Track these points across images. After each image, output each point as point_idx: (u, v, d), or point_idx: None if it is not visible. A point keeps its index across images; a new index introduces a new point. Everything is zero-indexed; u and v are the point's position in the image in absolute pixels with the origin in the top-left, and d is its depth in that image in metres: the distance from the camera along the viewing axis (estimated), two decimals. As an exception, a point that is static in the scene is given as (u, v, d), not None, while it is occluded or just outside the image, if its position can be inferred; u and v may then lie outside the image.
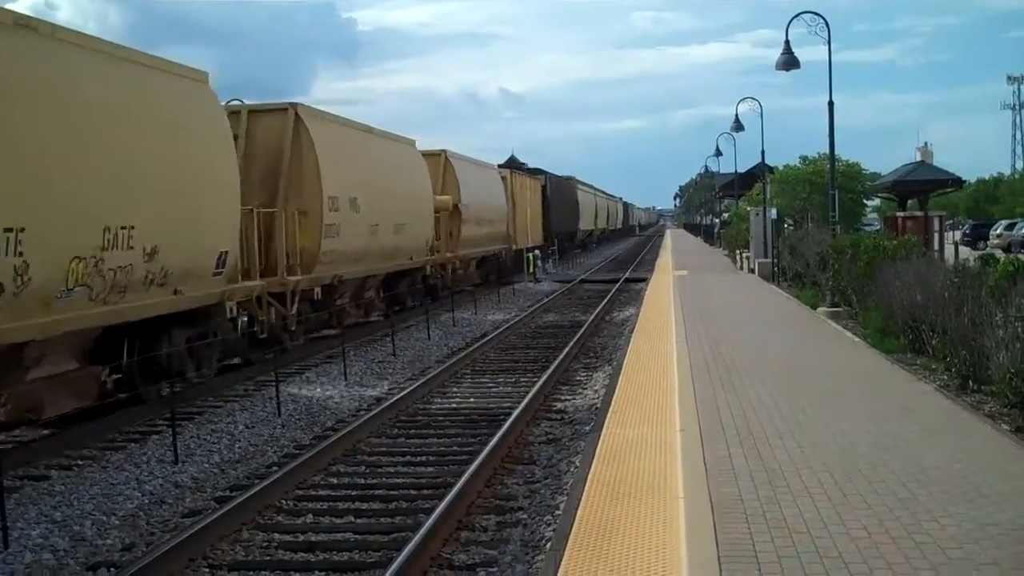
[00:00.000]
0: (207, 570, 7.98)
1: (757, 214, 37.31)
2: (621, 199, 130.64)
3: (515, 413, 12.86)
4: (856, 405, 11.26)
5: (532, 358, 19.34)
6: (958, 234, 54.76)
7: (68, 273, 11.22)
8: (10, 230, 10.17)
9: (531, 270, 42.79)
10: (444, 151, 32.91)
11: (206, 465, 11.43)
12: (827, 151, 26.75)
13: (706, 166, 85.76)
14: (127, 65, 13.17)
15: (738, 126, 43.94)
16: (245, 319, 16.73)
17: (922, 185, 33.51)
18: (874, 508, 7.27)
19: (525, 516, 9.10)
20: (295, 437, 12.94)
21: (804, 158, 41.12)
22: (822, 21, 24.71)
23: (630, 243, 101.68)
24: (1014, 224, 58.03)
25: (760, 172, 41.05)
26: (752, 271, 36.55)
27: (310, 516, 9.38)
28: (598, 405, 13.33)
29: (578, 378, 16.80)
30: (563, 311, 29.43)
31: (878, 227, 38.76)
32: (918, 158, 35.31)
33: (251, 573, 7.94)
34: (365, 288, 23.66)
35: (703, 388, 12.51)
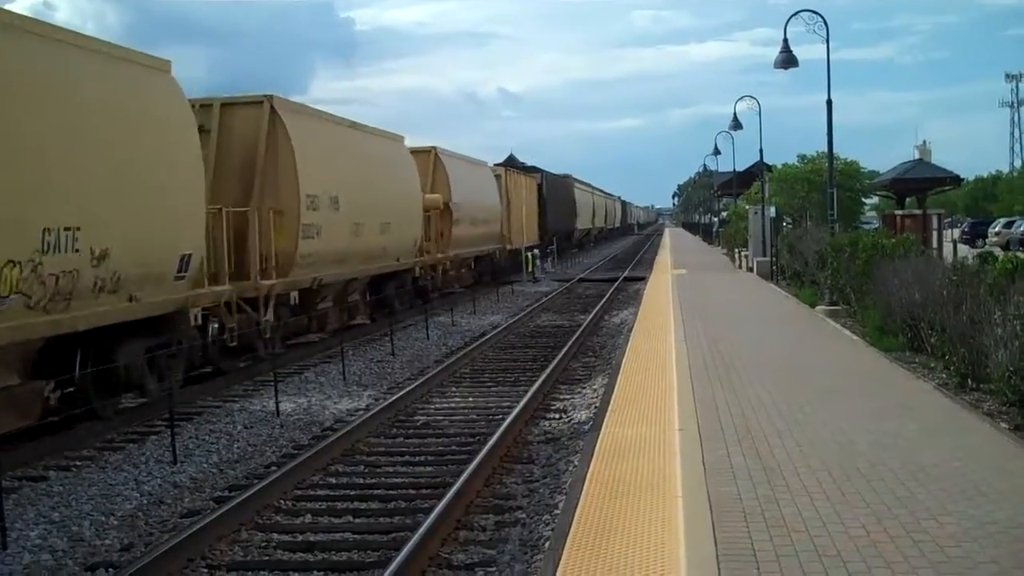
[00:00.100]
0: (206, 570, 7.97)
1: (756, 213, 37.33)
2: (619, 198, 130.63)
3: (514, 412, 12.85)
4: (855, 404, 11.26)
5: (531, 357, 19.33)
6: (956, 232, 54.71)
7: (1, 280, 10.29)
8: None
9: (530, 269, 42.75)
10: (434, 148, 32.10)
11: (205, 465, 11.43)
12: (825, 149, 26.73)
13: (704, 165, 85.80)
14: (76, 51, 12.17)
15: (736, 125, 43.90)
16: (216, 326, 15.84)
17: (920, 183, 33.53)
18: (873, 507, 7.27)
19: (524, 515, 9.10)
20: (293, 437, 12.93)
21: (802, 156, 41.15)
22: (820, 19, 24.68)
23: (628, 242, 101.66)
24: (1012, 222, 58.10)
25: (759, 171, 41.03)
26: (751, 270, 36.56)
27: (309, 516, 9.37)
28: (596, 404, 13.32)
29: (577, 377, 16.80)
30: (562, 311, 29.42)
31: (877, 225, 38.79)
32: (916, 156, 35.37)
33: (250, 573, 7.93)
34: (349, 291, 22.84)
35: (702, 387, 12.51)
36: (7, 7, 11.42)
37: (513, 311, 29.15)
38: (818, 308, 22.09)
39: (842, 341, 17.24)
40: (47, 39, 11.66)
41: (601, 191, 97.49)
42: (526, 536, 8.47)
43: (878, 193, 41.21)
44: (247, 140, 18.02)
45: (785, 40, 25.57)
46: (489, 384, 16.49)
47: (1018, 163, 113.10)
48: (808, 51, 28.50)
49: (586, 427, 12.12)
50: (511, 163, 54.55)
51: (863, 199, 41.53)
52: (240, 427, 13.38)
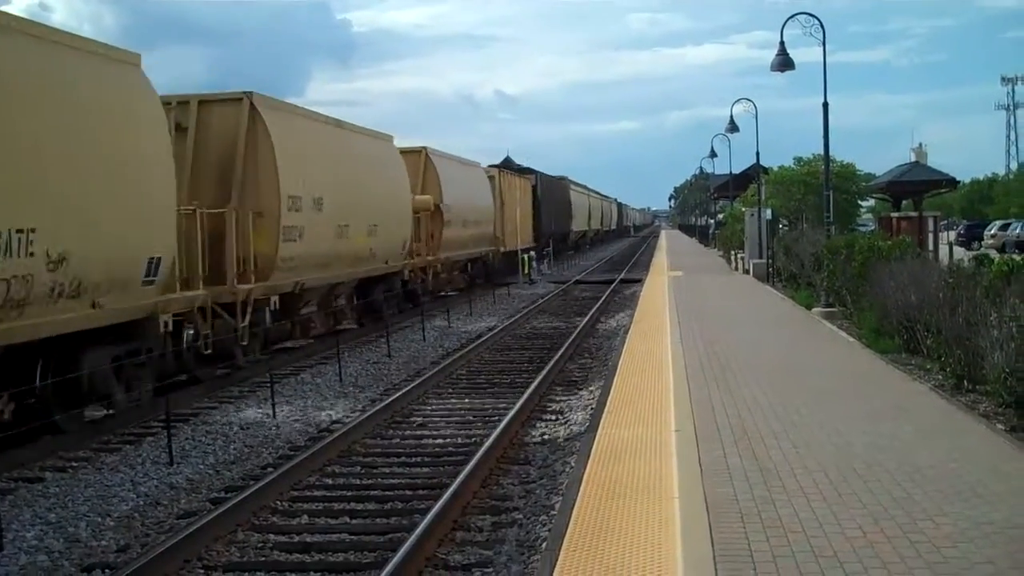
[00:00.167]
0: (202, 571, 7.96)
1: (752, 215, 37.33)
2: (615, 200, 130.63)
3: (510, 414, 12.86)
4: (851, 405, 11.27)
5: (527, 358, 19.33)
6: (952, 234, 54.85)
7: None
8: None
9: (526, 271, 42.74)
10: (424, 148, 31.44)
11: (201, 467, 11.42)
12: (821, 152, 26.78)
13: (701, 167, 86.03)
14: (33, 42, 11.43)
15: (733, 127, 43.95)
16: (191, 333, 15.09)
17: (916, 186, 33.55)
18: (869, 508, 7.27)
19: (520, 516, 9.10)
20: (290, 438, 12.92)
21: (799, 159, 41.22)
22: (817, 22, 24.81)
23: (624, 244, 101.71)
24: (1008, 224, 58.24)
25: (755, 173, 41.08)
26: (747, 272, 36.56)
27: (305, 517, 9.37)
28: (593, 406, 13.33)
29: (573, 379, 16.81)
30: (558, 312, 29.42)
31: (873, 228, 38.84)
32: (912, 159, 35.36)
33: (246, 574, 7.93)
34: (334, 295, 22.15)
35: (698, 388, 12.51)
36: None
37: (509, 312, 29.15)
38: (814, 310, 22.10)
39: (838, 343, 17.25)
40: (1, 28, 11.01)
41: (597, 193, 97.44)
42: (523, 537, 8.47)
43: (874, 195, 41.21)
44: (226, 138, 17.38)
45: (782, 43, 25.64)
46: (485, 386, 16.48)
47: (1014, 165, 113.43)
48: (805, 54, 28.60)
49: (582, 429, 12.13)
50: (507, 165, 54.00)
51: (859, 201, 41.58)
52: (236, 428, 13.37)
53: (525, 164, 58.23)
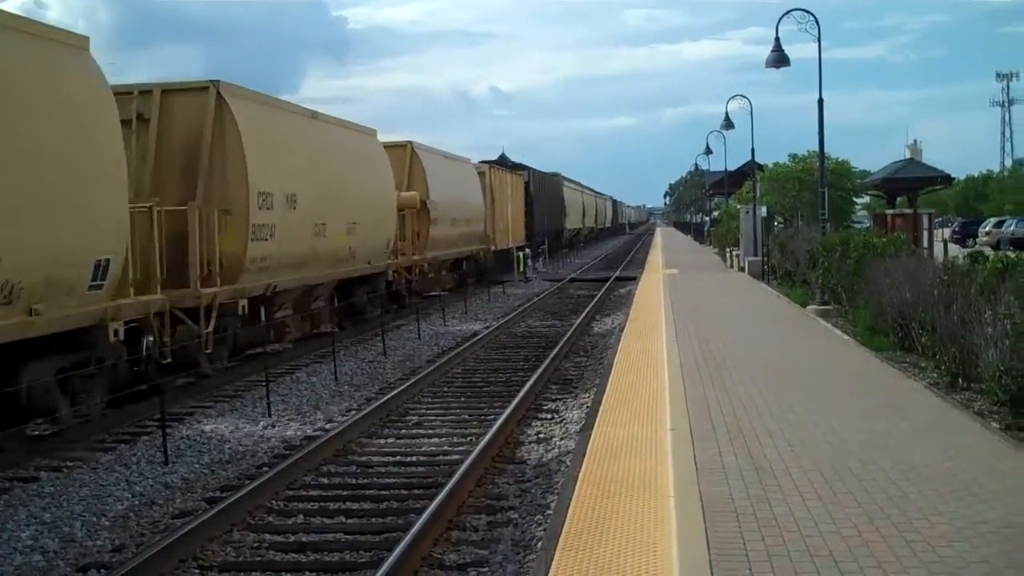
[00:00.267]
0: (197, 571, 7.96)
1: (747, 212, 37.39)
2: (610, 197, 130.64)
3: (505, 413, 12.86)
4: (846, 403, 11.28)
5: (523, 357, 19.33)
6: (947, 232, 54.93)
7: None
8: None
9: (521, 269, 42.72)
10: (410, 142, 30.25)
11: (196, 466, 11.40)
12: (817, 149, 26.80)
13: (696, 164, 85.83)
14: None
15: (728, 124, 44.02)
16: (150, 340, 13.86)
17: (911, 183, 33.62)
18: (864, 506, 7.29)
19: (516, 516, 9.10)
20: (285, 437, 12.91)
21: (794, 156, 41.18)
22: (812, 18, 24.78)
23: (620, 242, 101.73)
24: (1003, 221, 58.37)
25: (750, 170, 41.11)
26: (742, 269, 36.60)
27: (301, 516, 9.36)
28: (588, 404, 13.33)
29: (568, 376, 16.81)
30: (554, 310, 29.41)
31: (868, 224, 38.87)
32: (907, 155, 35.49)
33: (241, 574, 7.92)
34: (312, 297, 20.85)
35: (693, 387, 12.52)
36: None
37: (505, 311, 29.14)
38: (809, 308, 22.13)
39: (833, 341, 17.27)
40: None
41: (591, 190, 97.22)
42: (518, 536, 8.47)
43: (869, 192, 41.29)
44: (191, 130, 16.17)
45: (777, 39, 25.64)
46: (480, 385, 16.47)
47: (1009, 162, 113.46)
48: (800, 50, 28.70)
49: (577, 427, 12.13)
50: (502, 162, 53.37)
51: (854, 198, 41.59)
52: (232, 427, 13.36)
53: (521, 161, 57.60)
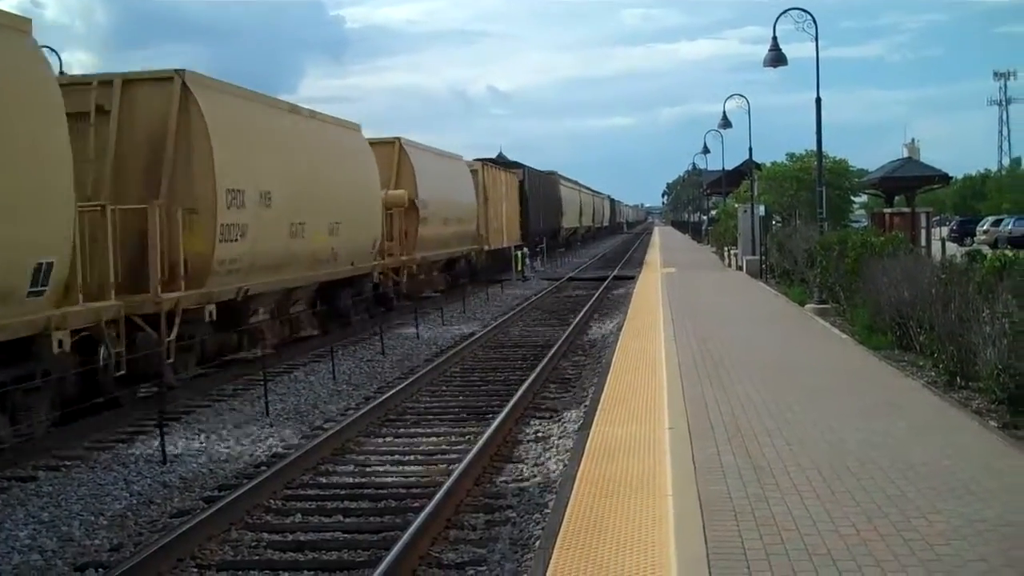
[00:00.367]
0: (195, 570, 7.95)
1: (745, 211, 37.42)
2: (608, 196, 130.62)
3: (506, 408, 12.86)
4: (844, 402, 11.29)
5: (520, 356, 19.33)
6: (945, 230, 54.96)
7: None
8: None
9: (519, 268, 42.71)
10: (398, 138, 29.15)
11: (194, 465, 11.39)
12: (814, 148, 26.84)
13: (694, 163, 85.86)
14: None
15: (726, 123, 44.04)
16: (112, 349, 12.86)
17: (909, 181, 33.68)
18: (863, 505, 7.29)
19: (514, 515, 9.10)
20: (284, 436, 12.90)
21: (791, 155, 41.23)
22: (810, 18, 24.80)
23: (617, 241, 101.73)
24: (1000, 220, 58.40)
25: (748, 169, 41.14)
26: (740, 268, 36.63)
27: (299, 515, 9.36)
28: (587, 403, 13.34)
29: (567, 375, 16.82)
30: (552, 309, 29.40)
31: (865, 223, 38.91)
32: (905, 154, 35.55)
33: (240, 573, 7.92)
34: (291, 301, 19.75)
35: (692, 386, 12.53)
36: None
37: (503, 309, 29.12)
38: (807, 306, 22.14)
39: (831, 339, 17.29)
40: None
41: (589, 189, 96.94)
42: (516, 535, 8.47)
43: (867, 191, 41.34)
44: (155, 123, 15.06)
45: (774, 38, 25.68)
46: (479, 384, 16.47)
47: (1006, 161, 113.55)
48: (797, 49, 28.74)
49: (576, 426, 12.13)
50: (499, 161, 53.13)
51: (852, 197, 41.65)
52: (230, 426, 13.35)
53: (519, 160, 57.05)
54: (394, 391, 14.91)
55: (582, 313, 25.84)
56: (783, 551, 6.36)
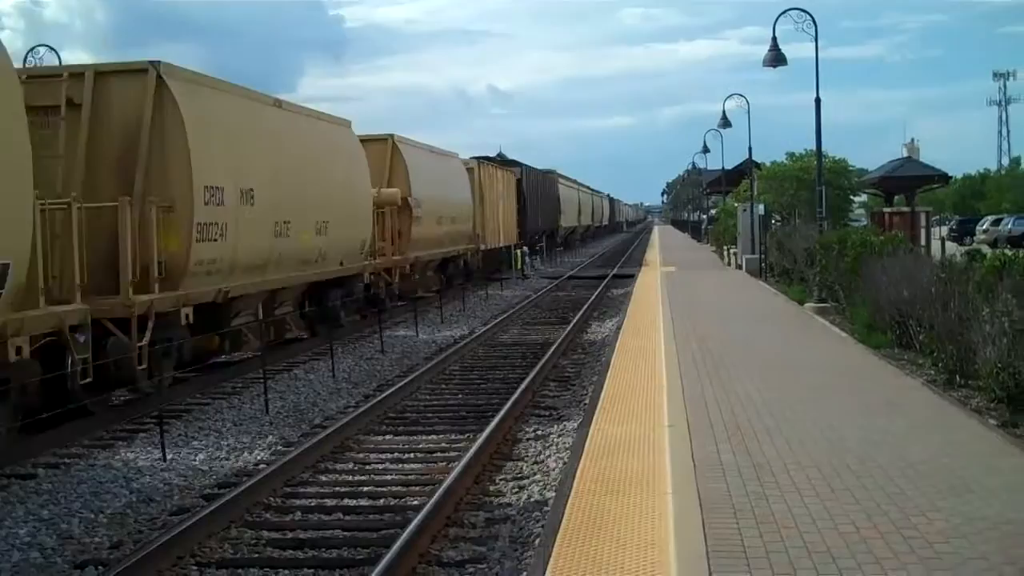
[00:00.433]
0: (195, 568, 7.95)
1: (744, 210, 37.44)
2: (607, 195, 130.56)
3: (506, 406, 12.86)
4: (844, 400, 11.30)
5: (520, 354, 19.33)
6: (944, 230, 54.98)
7: None
8: None
9: (519, 266, 42.72)
10: (391, 136, 28.35)
11: (194, 463, 11.40)
12: (814, 147, 26.86)
13: (693, 163, 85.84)
14: None
15: (725, 123, 44.08)
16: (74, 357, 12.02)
17: (909, 181, 33.72)
18: (862, 503, 7.29)
19: (514, 512, 9.10)
20: (283, 434, 12.90)
21: (791, 154, 41.26)
22: (809, 18, 24.87)
23: (617, 240, 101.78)
24: (1000, 220, 58.40)
25: (747, 168, 41.16)
26: (740, 267, 36.64)
27: (298, 513, 9.36)
28: (586, 402, 13.34)
29: (566, 375, 16.82)
30: (552, 307, 29.41)
31: (865, 223, 38.94)
32: (905, 154, 35.65)
33: (239, 571, 7.92)
34: (276, 303, 18.96)
35: (691, 384, 12.53)
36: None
37: (503, 308, 29.12)
38: (807, 305, 22.16)
39: (831, 338, 17.29)
40: None
41: (588, 188, 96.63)
42: (516, 533, 8.47)
43: (867, 191, 41.38)
44: (128, 117, 14.38)
45: (774, 38, 25.73)
46: (479, 382, 16.47)
47: (1006, 161, 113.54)
48: (797, 49, 28.75)
49: (575, 423, 12.13)
50: (496, 159, 52.75)
51: (851, 197, 41.69)
52: (229, 424, 13.35)
53: (519, 159, 56.53)
54: (393, 389, 14.92)
55: (582, 312, 25.83)
56: (783, 549, 6.36)
